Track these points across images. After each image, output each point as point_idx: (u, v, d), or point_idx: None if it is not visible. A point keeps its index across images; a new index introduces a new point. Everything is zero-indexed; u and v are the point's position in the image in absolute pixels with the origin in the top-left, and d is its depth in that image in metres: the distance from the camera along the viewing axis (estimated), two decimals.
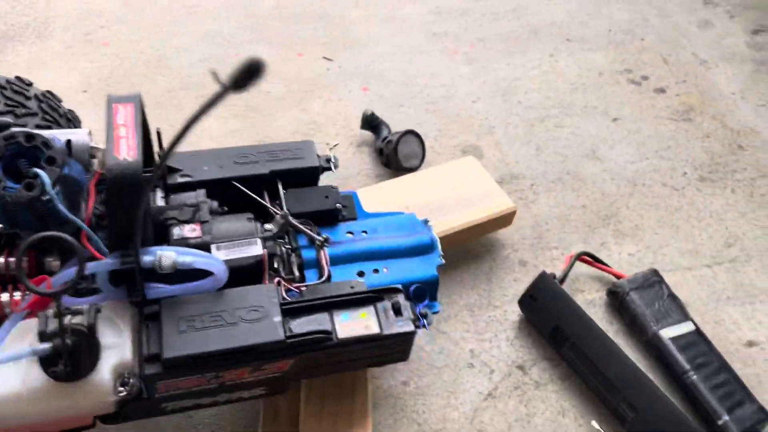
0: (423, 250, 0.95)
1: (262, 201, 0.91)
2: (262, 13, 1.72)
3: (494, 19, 1.74)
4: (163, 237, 0.81)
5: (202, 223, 0.82)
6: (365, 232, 0.96)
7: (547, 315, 1.05)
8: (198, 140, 1.39)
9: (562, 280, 1.10)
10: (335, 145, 1.08)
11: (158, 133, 0.89)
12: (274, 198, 0.94)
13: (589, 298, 1.16)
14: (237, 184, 0.91)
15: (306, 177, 0.96)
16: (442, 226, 1.11)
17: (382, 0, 1.78)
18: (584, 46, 1.68)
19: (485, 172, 1.22)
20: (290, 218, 0.88)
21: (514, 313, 1.13)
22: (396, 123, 1.46)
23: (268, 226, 0.88)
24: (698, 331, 1.06)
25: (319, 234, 0.91)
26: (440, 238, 1.08)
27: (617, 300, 1.11)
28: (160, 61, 1.58)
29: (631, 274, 1.16)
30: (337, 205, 0.95)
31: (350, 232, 0.95)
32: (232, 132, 1.42)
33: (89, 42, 1.61)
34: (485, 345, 1.09)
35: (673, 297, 1.10)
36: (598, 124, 1.48)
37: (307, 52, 1.62)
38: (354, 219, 0.97)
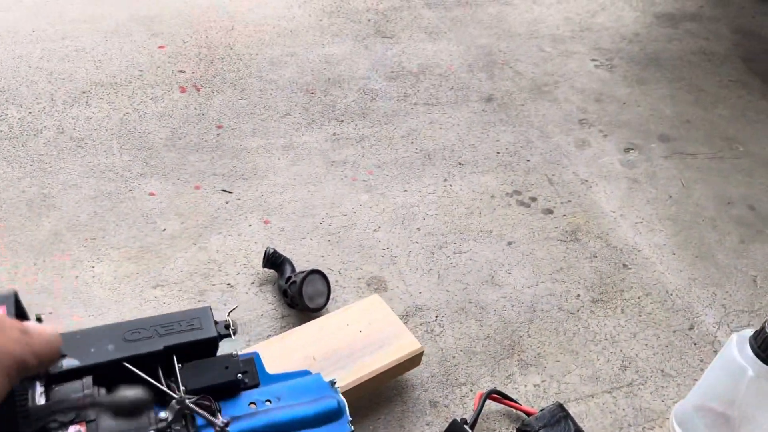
0: (331, 416, 0.91)
1: (154, 382, 0.85)
2: (156, 145, 1.69)
3: (389, 144, 1.81)
4: None
5: (88, 422, 0.75)
6: (269, 401, 0.91)
7: None
8: (88, 288, 1.31)
9: (474, 423, 1.10)
10: (234, 308, 1.04)
11: (38, 320, 0.82)
12: (170, 374, 0.89)
13: None
14: (128, 365, 0.85)
15: (203, 348, 0.91)
16: (353, 375, 1.09)
17: (281, 128, 1.80)
18: (475, 169, 1.76)
19: (390, 311, 1.23)
20: (187, 401, 0.83)
21: None
22: (299, 256, 1.45)
23: (162, 414, 0.82)
24: None
25: (219, 412, 0.86)
26: (352, 388, 1.06)
27: None
28: (44, 200, 1.50)
29: (538, 407, 1.18)
30: (238, 375, 0.91)
31: (253, 403, 0.90)
32: (125, 277, 1.35)
33: None
34: None
35: None
36: (494, 248, 1.54)
37: (205, 185, 1.60)
38: (257, 385, 0.91)
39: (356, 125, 1.86)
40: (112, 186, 1.56)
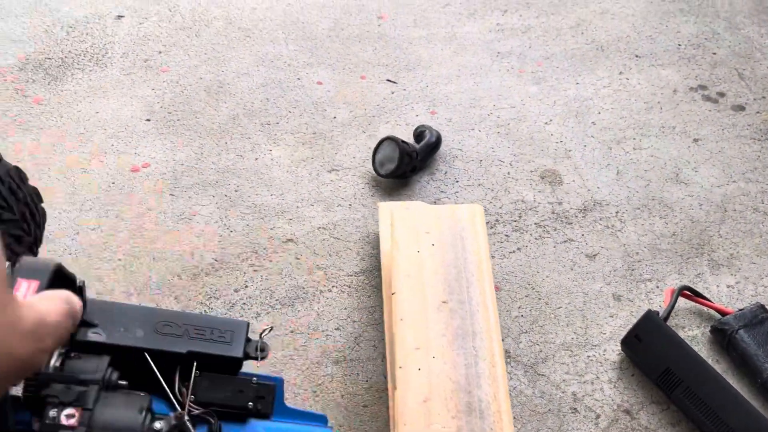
0: None
1: (165, 386, 0.80)
2: (320, 35, 1.68)
3: (558, 35, 1.69)
4: (38, 410, 0.70)
5: (84, 410, 0.70)
6: None
7: (655, 356, 1.00)
8: (268, 170, 1.36)
9: (666, 318, 1.05)
10: (270, 330, 0.96)
11: (80, 288, 0.76)
12: (186, 378, 0.83)
13: (691, 335, 1.11)
14: (148, 358, 0.80)
15: (226, 364, 0.84)
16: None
17: (442, 19, 1.73)
18: (654, 62, 1.62)
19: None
20: (186, 419, 0.76)
21: (614, 352, 1.08)
22: (468, 147, 1.41)
23: (157, 425, 0.74)
24: None
25: None
26: None
27: (724, 338, 1.05)
28: (221, 87, 1.54)
29: (734, 308, 1.10)
30: (250, 403, 0.82)
31: None
32: (302, 161, 1.38)
33: (149, 68, 1.58)
34: (587, 388, 1.04)
35: None
36: (678, 145, 1.42)
37: (370, 75, 1.58)
38: (268, 415, 0.83)
39: (521, 15, 1.75)
40: (282, 74, 1.58)
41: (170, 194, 1.30)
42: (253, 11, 1.75)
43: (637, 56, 1.64)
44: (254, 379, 0.84)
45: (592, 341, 1.10)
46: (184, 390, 0.80)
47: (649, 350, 1.01)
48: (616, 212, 1.29)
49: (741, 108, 1.51)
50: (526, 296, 1.15)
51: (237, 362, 0.83)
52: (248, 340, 0.85)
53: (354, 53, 1.64)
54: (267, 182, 1.34)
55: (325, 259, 1.20)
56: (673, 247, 1.23)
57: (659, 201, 1.31)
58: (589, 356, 1.08)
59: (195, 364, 0.82)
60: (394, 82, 1.56)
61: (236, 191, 1.32)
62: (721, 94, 1.54)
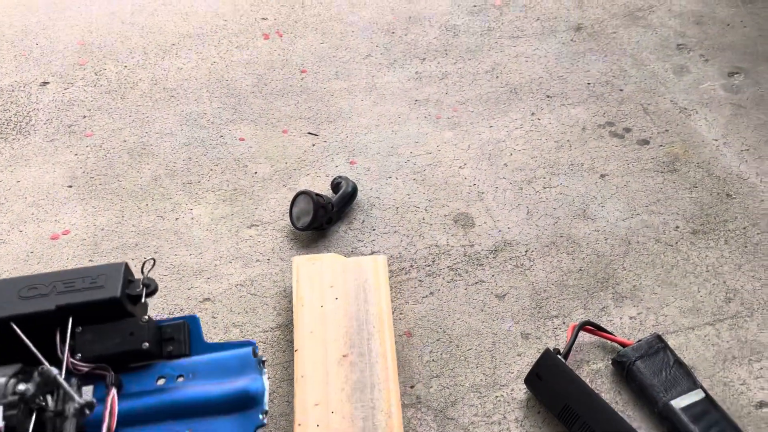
0: (243, 403, 0.77)
1: (32, 348, 0.73)
2: (244, 92, 1.73)
3: (474, 80, 1.76)
4: None
5: None
6: (182, 376, 0.78)
7: (554, 393, 1.03)
8: (188, 230, 1.38)
9: (567, 354, 1.09)
10: (153, 264, 0.89)
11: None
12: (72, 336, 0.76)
13: (595, 368, 1.15)
14: (14, 326, 0.74)
15: (106, 311, 0.78)
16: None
17: (363, 70, 1.79)
18: (565, 101, 1.70)
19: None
20: (53, 372, 0.71)
21: (521, 390, 1.11)
22: (385, 195, 1.46)
23: (21, 386, 0.69)
24: (708, 398, 1.04)
25: (114, 385, 0.74)
26: None
27: (623, 370, 1.10)
28: (143, 149, 1.57)
29: (635, 339, 1.15)
30: (145, 344, 0.76)
31: (163, 377, 0.77)
32: (222, 218, 1.41)
33: (72, 133, 1.60)
34: (495, 428, 1.07)
35: (679, 363, 1.08)
36: (586, 181, 1.49)
37: (291, 128, 1.63)
38: (185, 355, 0.79)
39: (439, 63, 1.82)
40: (205, 133, 1.61)
41: (89, 260, 1.32)
42: (179, 71, 1.79)
43: (548, 96, 1.71)
44: (145, 318, 0.79)
45: (500, 381, 1.13)
46: (66, 349, 0.75)
47: (549, 387, 1.04)
48: (526, 251, 1.34)
49: (645, 142, 1.58)
50: (438, 340, 1.19)
51: (116, 303, 0.77)
52: (130, 281, 0.80)
53: (276, 108, 1.69)
54: (186, 242, 1.36)
55: (241, 316, 1.23)
56: (579, 282, 1.28)
57: (567, 238, 1.36)
58: (497, 396, 1.11)
59: (71, 319, 0.76)
60: (316, 135, 1.61)
61: (156, 253, 1.34)
62: (627, 130, 1.61)
